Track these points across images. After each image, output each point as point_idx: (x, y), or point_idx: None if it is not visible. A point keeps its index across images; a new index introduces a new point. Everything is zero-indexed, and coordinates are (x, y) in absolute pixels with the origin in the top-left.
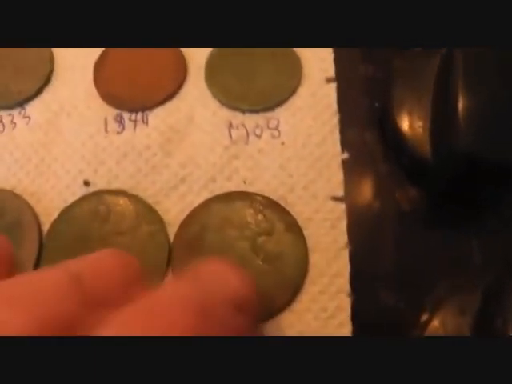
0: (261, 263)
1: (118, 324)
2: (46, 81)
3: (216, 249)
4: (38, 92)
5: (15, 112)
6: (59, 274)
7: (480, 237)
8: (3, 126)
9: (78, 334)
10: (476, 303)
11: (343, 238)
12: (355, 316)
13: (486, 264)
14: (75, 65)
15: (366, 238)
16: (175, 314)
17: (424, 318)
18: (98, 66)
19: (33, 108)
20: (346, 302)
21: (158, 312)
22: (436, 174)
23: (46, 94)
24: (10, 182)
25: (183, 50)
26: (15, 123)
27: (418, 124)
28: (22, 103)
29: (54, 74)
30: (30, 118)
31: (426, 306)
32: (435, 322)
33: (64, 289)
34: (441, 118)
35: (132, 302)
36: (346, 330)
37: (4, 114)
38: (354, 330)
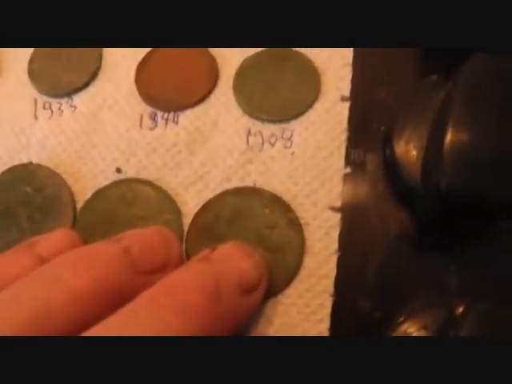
0: (262, 251)
1: (147, 297)
2: (93, 76)
3: (226, 237)
4: (85, 85)
5: (63, 101)
6: (113, 247)
7: (458, 263)
8: (52, 112)
9: (126, 297)
10: (439, 322)
11: (334, 245)
12: (334, 315)
13: (460, 289)
14: (121, 64)
15: (354, 248)
16: (193, 294)
17: (393, 328)
18: (141, 67)
19: (79, 99)
20: (328, 302)
21: (179, 291)
22: (422, 203)
23: (92, 88)
24: (52, 162)
25: (217, 58)
26: (62, 110)
27: (413, 153)
28: (70, 93)
29: (101, 70)
30: (75, 107)
31: (398, 317)
32: (400, 332)
33: (116, 259)
34: (433, 152)
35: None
36: (324, 326)
37: (53, 101)
38: (332, 327)
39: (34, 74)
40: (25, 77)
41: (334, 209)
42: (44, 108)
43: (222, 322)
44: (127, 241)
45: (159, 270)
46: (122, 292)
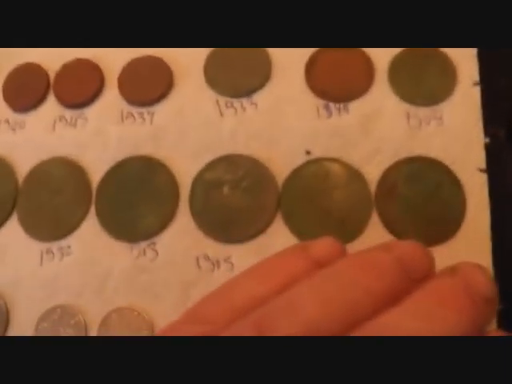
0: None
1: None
2: (267, 77)
3: (406, 197)
4: (261, 86)
5: (244, 100)
6: (388, 256)
7: None
8: (235, 109)
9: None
10: None
11: (486, 200)
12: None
13: None
14: (289, 66)
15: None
16: (461, 300)
17: None
18: (309, 68)
19: (258, 97)
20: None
21: (446, 298)
22: None
23: (267, 88)
24: (247, 150)
25: (370, 55)
26: (245, 108)
27: None
28: (249, 93)
29: (273, 72)
30: (256, 104)
31: None
32: None
33: (394, 267)
34: None
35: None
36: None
37: (235, 101)
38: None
39: (212, 81)
40: (202, 83)
41: (481, 170)
42: (227, 107)
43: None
44: (398, 250)
45: (424, 277)
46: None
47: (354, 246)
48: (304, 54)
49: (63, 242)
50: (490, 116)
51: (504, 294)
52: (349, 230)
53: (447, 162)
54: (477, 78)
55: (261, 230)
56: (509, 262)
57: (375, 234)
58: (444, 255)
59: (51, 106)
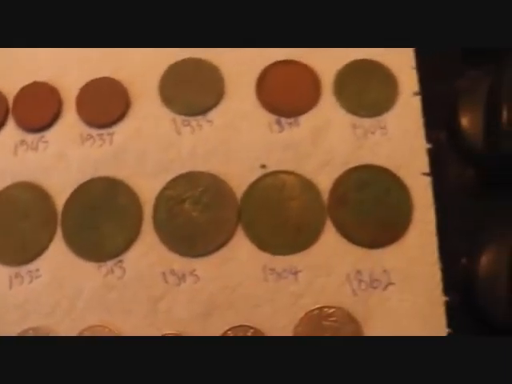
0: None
1: None
2: (221, 95)
3: (358, 202)
4: (216, 103)
5: (200, 118)
6: None
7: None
8: (192, 128)
9: None
10: None
11: (430, 200)
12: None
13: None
14: (241, 83)
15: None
16: None
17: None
18: (259, 83)
19: (213, 115)
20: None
21: None
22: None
23: (222, 105)
24: (205, 167)
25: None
26: (201, 125)
27: (473, 127)
28: (204, 112)
29: (226, 89)
30: (212, 121)
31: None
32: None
33: None
34: (491, 124)
35: None
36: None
37: (191, 119)
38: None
39: (168, 100)
40: (159, 103)
41: (425, 174)
42: (183, 125)
43: None
44: None
45: None
46: None
47: (311, 252)
48: (255, 69)
49: (31, 266)
50: (431, 122)
51: (449, 287)
52: (305, 237)
53: (393, 168)
54: (416, 88)
55: (223, 243)
56: (453, 257)
57: (330, 239)
58: (395, 255)
59: (11, 130)
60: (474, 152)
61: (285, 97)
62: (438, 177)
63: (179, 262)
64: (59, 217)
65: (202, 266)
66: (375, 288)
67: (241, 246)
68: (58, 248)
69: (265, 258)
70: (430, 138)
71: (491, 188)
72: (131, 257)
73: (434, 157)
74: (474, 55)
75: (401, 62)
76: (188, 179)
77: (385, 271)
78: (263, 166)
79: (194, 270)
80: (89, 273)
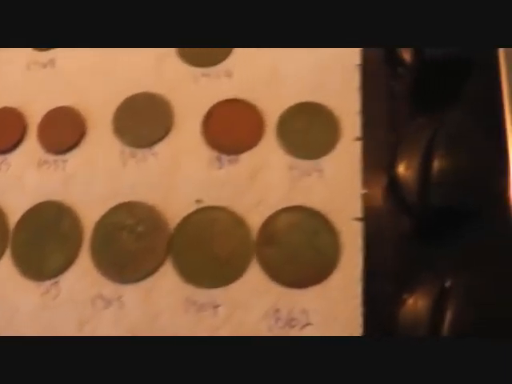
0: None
1: None
2: (168, 129)
3: (286, 242)
4: (163, 137)
5: (146, 150)
6: None
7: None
8: (138, 159)
9: None
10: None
11: (359, 245)
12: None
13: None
14: (188, 119)
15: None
16: None
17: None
18: (206, 122)
19: (159, 148)
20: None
21: None
22: (417, 211)
23: (168, 139)
24: (145, 198)
25: (261, 112)
26: (147, 158)
27: (410, 176)
28: (151, 144)
29: (174, 124)
30: (157, 154)
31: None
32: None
33: None
34: (424, 175)
35: None
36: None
37: (138, 151)
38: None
39: (119, 131)
40: (110, 133)
41: (357, 219)
42: (131, 156)
43: None
44: None
45: None
46: None
47: (233, 287)
48: (204, 106)
49: None
50: (370, 167)
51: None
52: (229, 272)
53: (325, 211)
54: (358, 133)
55: (151, 272)
56: (377, 303)
57: (253, 276)
58: (316, 296)
59: None
60: (408, 201)
61: (228, 134)
62: (370, 222)
63: (109, 288)
64: (11, 235)
65: (129, 292)
66: (292, 327)
67: (167, 276)
68: (5, 264)
69: (188, 289)
70: (366, 184)
71: (424, 236)
72: (67, 278)
73: (369, 202)
74: (424, 102)
75: (346, 105)
76: (128, 208)
77: (304, 311)
78: (198, 201)
79: (121, 297)
80: (28, 291)
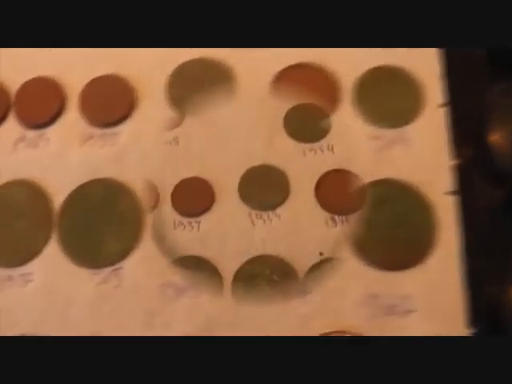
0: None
1: None
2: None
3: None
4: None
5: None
6: None
7: None
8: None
9: None
10: None
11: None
12: None
13: None
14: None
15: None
16: None
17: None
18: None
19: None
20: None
21: None
22: None
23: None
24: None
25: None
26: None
27: (503, 143)
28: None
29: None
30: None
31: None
32: None
33: None
34: None
35: None
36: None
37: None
38: None
39: (175, 100)
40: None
41: (449, 192)
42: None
43: None
44: None
45: None
46: None
47: None
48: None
49: (25, 269)
50: (458, 137)
51: (474, 315)
52: None
53: (415, 184)
54: (443, 99)
55: None
56: (478, 283)
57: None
58: (416, 278)
59: (12, 126)
60: (504, 170)
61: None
62: (464, 196)
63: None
64: (55, 218)
65: None
66: (393, 314)
67: None
68: (52, 251)
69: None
70: (456, 154)
71: None
72: (128, 265)
73: (460, 175)
74: (502, 67)
75: (428, 71)
76: None
77: (404, 296)
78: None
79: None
80: (83, 280)
